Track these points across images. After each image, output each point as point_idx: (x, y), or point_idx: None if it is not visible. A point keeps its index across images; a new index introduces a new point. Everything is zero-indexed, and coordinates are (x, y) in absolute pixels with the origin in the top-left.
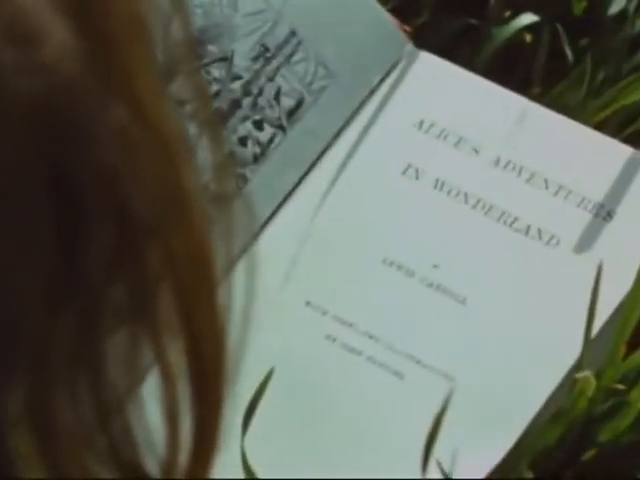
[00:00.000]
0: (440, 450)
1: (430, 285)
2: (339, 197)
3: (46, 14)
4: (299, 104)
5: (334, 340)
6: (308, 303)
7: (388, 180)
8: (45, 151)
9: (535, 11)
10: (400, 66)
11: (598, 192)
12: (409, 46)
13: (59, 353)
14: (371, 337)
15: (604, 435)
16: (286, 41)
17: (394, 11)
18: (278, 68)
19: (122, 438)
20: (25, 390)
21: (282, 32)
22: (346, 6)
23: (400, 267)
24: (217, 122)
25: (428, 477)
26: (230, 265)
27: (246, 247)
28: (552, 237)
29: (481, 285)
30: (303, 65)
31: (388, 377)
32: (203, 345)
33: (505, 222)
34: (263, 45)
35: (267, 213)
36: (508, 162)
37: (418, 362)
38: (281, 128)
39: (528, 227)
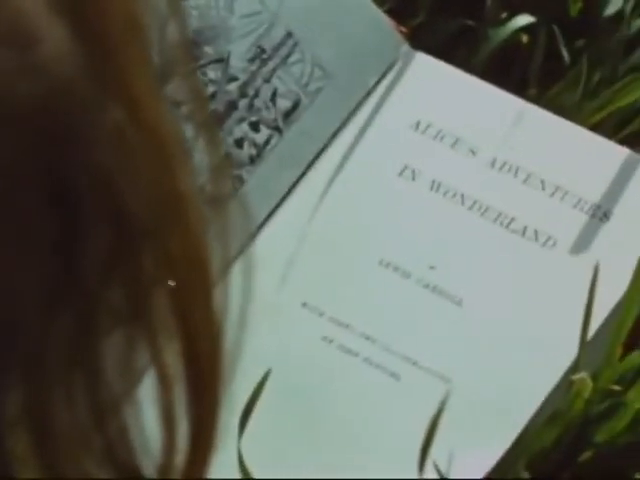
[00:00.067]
0: (437, 451)
1: (426, 286)
2: (335, 198)
3: (42, 16)
4: (295, 105)
5: (331, 341)
6: (305, 304)
7: (385, 181)
8: (41, 153)
9: (531, 12)
10: (396, 67)
11: (594, 193)
12: (405, 47)
13: (56, 355)
14: (368, 338)
15: (601, 436)
16: (282, 42)
17: (390, 12)
18: (274, 69)
19: (118, 439)
20: (22, 391)
21: (278, 33)
22: (342, 7)
23: (396, 268)
24: (213, 124)
25: (425, 478)
26: (226, 266)
27: (242, 248)
28: (549, 238)
29: (477, 286)
30: (299, 66)
31: (385, 378)
32: (199, 346)
33: (502, 223)
34: (259, 46)
35: (263, 214)
36: (504, 163)
37: (414, 363)
38: (277, 129)
39: (525, 228)
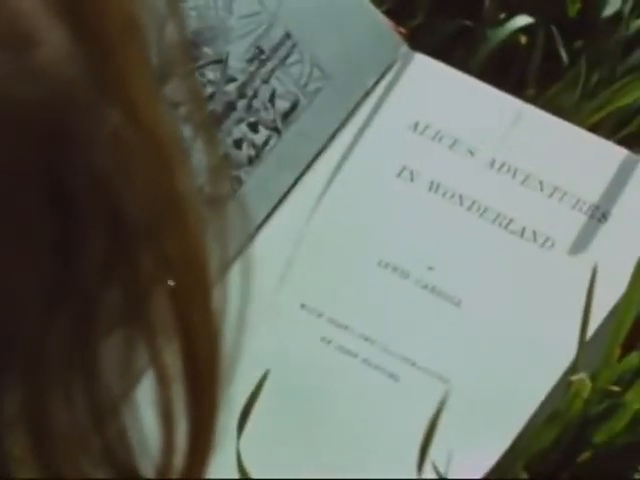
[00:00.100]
0: (436, 452)
1: (425, 287)
2: (334, 199)
3: (41, 18)
4: (294, 106)
5: (329, 342)
6: (303, 305)
7: (383, 182)
8: (40, 154)
9: (530, 13)
10: (395, 68)
11: (593, 194)
12: (404, 48)
13: (54, 355)
14: (366, 339)
15: (599, 436)
16: (281, 43)
17: (389, 13)
18: (273, 70)
19: (117, 440)
20: (20, 391)
21: (277, 34)
22: (341, 8)
23: (395, 269)
24: (212, 124)
25: (424, 479)
26: (225, 267)
27: (241, 249)
28: (547, 239)
29: (476, 287)
30: (298, 67)
31: (383, 379)
32: (198, 347)
33: (500, 224)
34: (258, 47)
35: (262, 215)
36: (503, 164)
37: (413, 364)
38: (276, 130)
39: (523, 229)
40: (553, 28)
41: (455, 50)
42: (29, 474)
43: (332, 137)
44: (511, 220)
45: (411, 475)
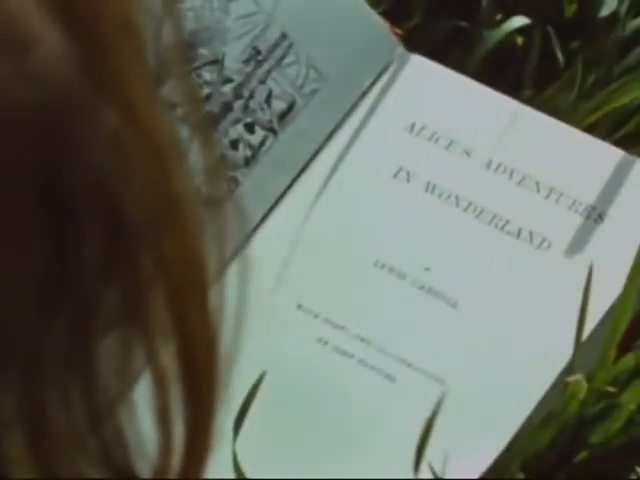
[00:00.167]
0: (432, 453)
1: (421, 288)
2: (330, 200)
3: (36, 19)
4: (290, 107)
5: (325, 343)
6: (299, 306)
7: (379, 183)
8: (37, 155)
9: (526, 14)
10: (391, 69)
11: (589, 195)
12: (400, 49)
13: (51, 356)
14: (362, 340)
15: (595, 437)
16: (277, 44)
17: (385, 14)
18: (269, 71)
19: (114, 441)
20: (17, 393)
21: (273, 35)
22: (337, 9)
23: (391, 270)
24: (208, 125)
25: (420, 479)
26: (222, 268)
27: (238, 250)
28: (543, 240)
29: (472, 288)
30: (294, 68)
31: (379, 380)
32: (195, 348)
33: (496, 225)
34: (254, 48)
35: (259, 216)
36: (499, 165)
37: (409, 365)
38: (272, 131)
39: (519, 230)
40: (549, 29)
41: (451, 51)
42: (26, 475)
43: (328, 138)
44: (507, 221)
45: (407, 476)
